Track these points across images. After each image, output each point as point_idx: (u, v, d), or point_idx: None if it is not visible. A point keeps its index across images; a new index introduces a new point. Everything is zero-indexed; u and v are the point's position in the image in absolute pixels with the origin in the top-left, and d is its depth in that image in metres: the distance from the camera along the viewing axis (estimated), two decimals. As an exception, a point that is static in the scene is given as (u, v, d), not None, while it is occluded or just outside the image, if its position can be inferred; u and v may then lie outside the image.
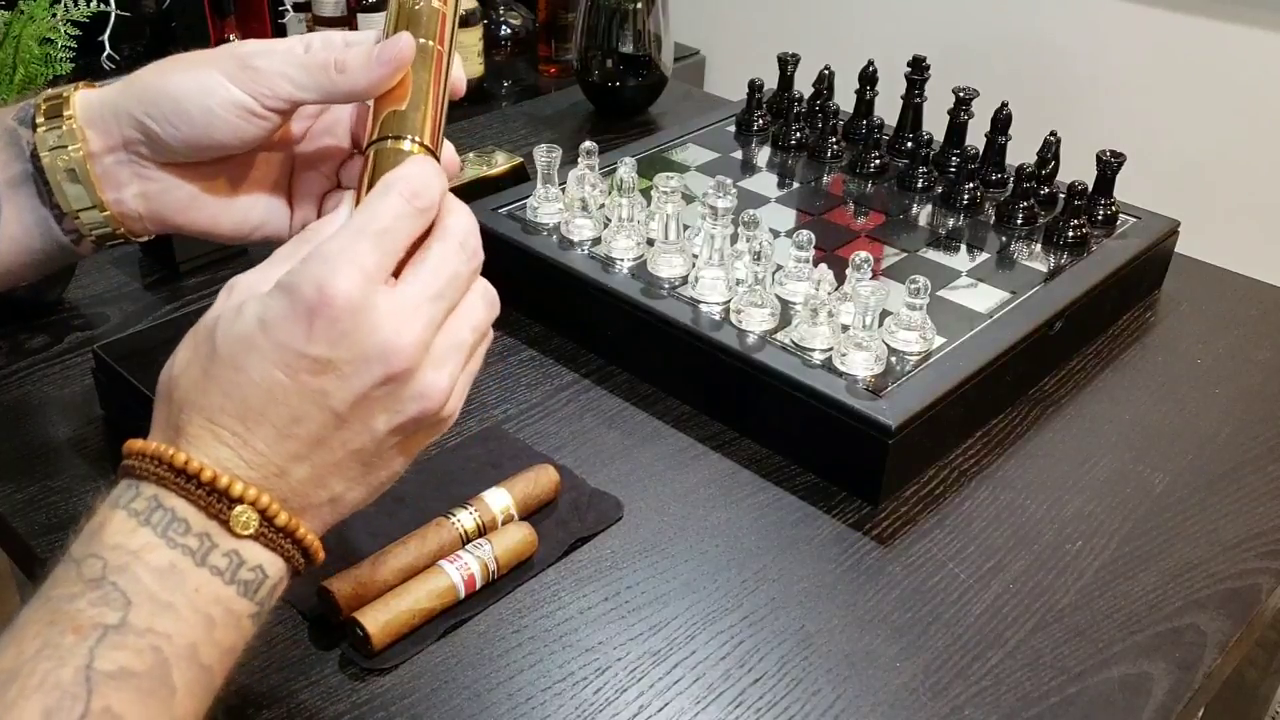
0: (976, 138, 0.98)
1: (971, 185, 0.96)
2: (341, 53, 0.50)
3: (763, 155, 1.06)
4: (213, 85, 0.51)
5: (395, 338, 0.43)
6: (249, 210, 0.57)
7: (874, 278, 0.76)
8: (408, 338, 0.43)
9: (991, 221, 0.94)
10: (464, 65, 1.38)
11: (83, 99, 0.53)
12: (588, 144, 0.91)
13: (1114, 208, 0.93)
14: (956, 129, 0.99)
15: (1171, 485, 0.75)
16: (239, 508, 0.42)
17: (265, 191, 0.57)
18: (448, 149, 0.51)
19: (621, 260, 0.85)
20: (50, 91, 0.54)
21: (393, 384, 0.43)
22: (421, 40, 0.51)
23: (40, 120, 0.52)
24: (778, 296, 0.80)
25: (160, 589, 0.41)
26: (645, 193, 0.89)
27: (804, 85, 1.10)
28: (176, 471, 0.42)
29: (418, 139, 0.49)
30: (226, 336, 0.43)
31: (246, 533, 0.42)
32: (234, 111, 0.51)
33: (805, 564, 0.68)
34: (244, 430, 0.43)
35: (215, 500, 0.42)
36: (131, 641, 0.39)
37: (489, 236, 0.91)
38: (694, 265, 0.82)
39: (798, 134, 1.06)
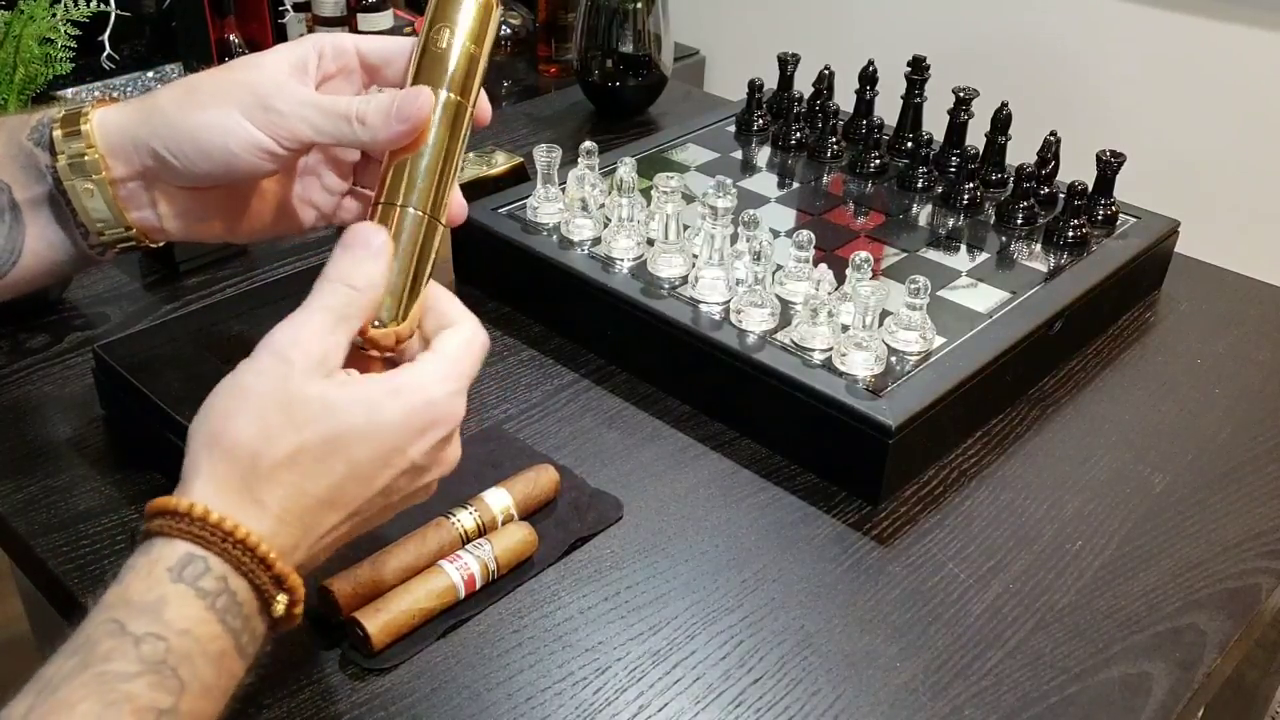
0: (976, 138, 0.98)
1: (971, 185, 0.96)
2: (362, 106, 0.51)
3: (763, 155, 1.06)
4: (232, 126, 0.51)
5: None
6: (265, 220, 0.58)
7: (874, 278, 0.76)
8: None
9: (991, 221, 0.94)
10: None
11: (101, 125, 0.52)
12: (588, 144, 0.91)
13: (1114, 208, 0.93)
14: (956, 129, 0.99)
15: (1171, 485, 0.75)
16: (280, 595, 0.44)
17: (279, 201, 0.58)
18: (456, 198, 0.54)
19: (621, 260, 0.85)
20: (66, 113, 0.53)
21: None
22: (443, 93, 0.52)
23: (60, 146, 0.52)
24: (778, 296, 0.80)
25: (210, 676, 0.42)
26: (645, 193, 0.89)
27: (804, 85, 1.10)
28: (256, 560, 0.43)
29: (425, 211, 0.51)
30: (346, 429, 0.46)
31: (278, 614, 0.45)
32: (253, 152, 0.51)
33: (805, 564, 0.68)
34: (321, 518, 0.46)
35: (273, 586, 0.44)
36: None
37: (489, 236, 0.91)
38: (694, 265, 0.82)
39: (798, 134, 1.06)
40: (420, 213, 0.51)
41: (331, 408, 0.45)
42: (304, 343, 0.46)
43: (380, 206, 0.52)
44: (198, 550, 0.42)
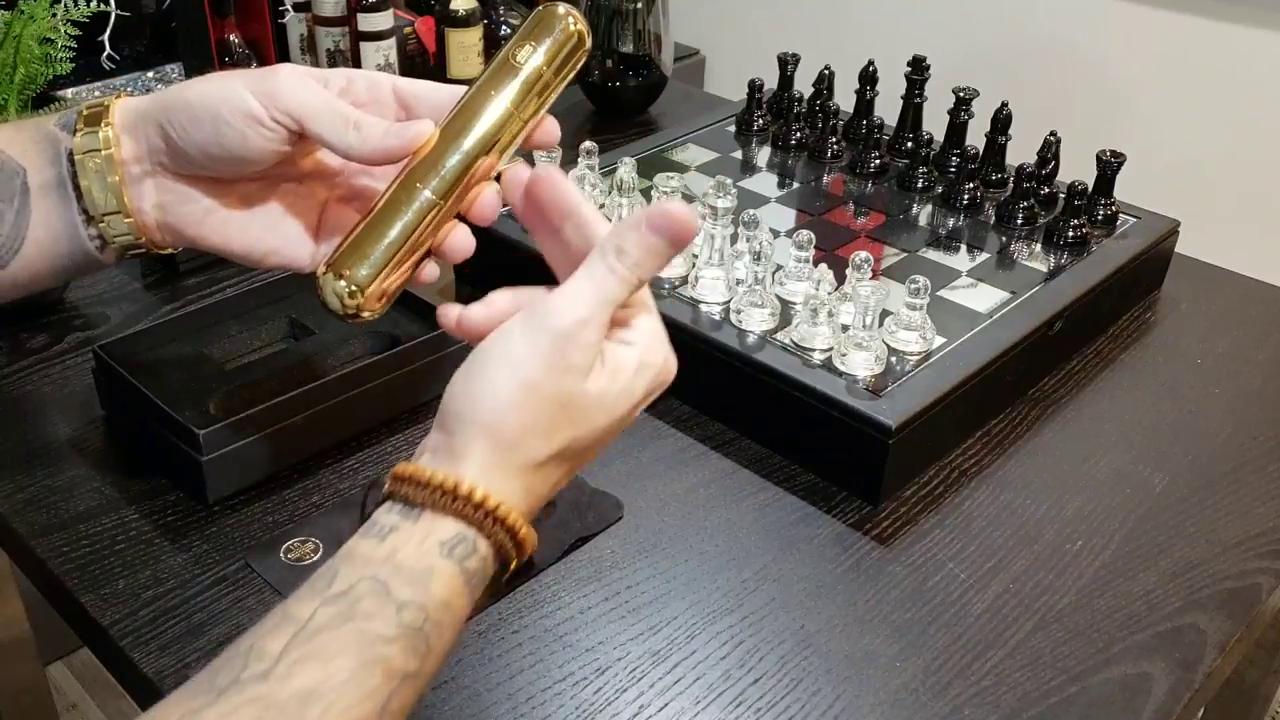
0: (976, 138, 0.98)
1: (971, 185, 0.96)
2: (362, 116, 0.52)
3: (763, 155, 1.06)
4: (228, 93, 0.52)
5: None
6: (262, 236, 0.58)
7: (874, 278, 0.76)
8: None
9: (991, 221, 0.94)
10: (464, 65, 1.38)
11: (122, 106, 0.55)
12: (588, 144, 0.91)
13: (1114, 208, 0.93)
14: (956, 129, 0.99)
15: (1171, 485, 0.75)
16: (513, 564, 0.47)
17: (283, 220, 0.58)
18: (488, 199, 0.54)
19: (621, 260, 0.85)
20: (95, 100, 0.55)
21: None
22: (503, 103, 0.52)
23: (80, 125, 0.54)
24: (778, 296, 0.80)
25: (450, 641, 0.44)
26: (645, 193, 0.89)
27: (804, 85, 1.10)
28: (515, 544, 0.46)
29: (438, 195, 0.52)
30: (611, 419, 0.48)
31: (504, 577, 0.47)
32: (241, 119, 0.52)
33: (805, 564, 0.68)
34: (556, 489, 0.49)
35: (515, 558, 0.46)
36: (416, 686, 0.43)
37: (488, 236, 0.91)
38: (694, 265, 0.82)
39: (798, 134, 1.06)
40: (434, 196, 0.52)
41: (601, 403, 0.48)
42: (586, 338, 0.47)
43: (400, 182, 0.52)
44: (469, 532, 0.44)
